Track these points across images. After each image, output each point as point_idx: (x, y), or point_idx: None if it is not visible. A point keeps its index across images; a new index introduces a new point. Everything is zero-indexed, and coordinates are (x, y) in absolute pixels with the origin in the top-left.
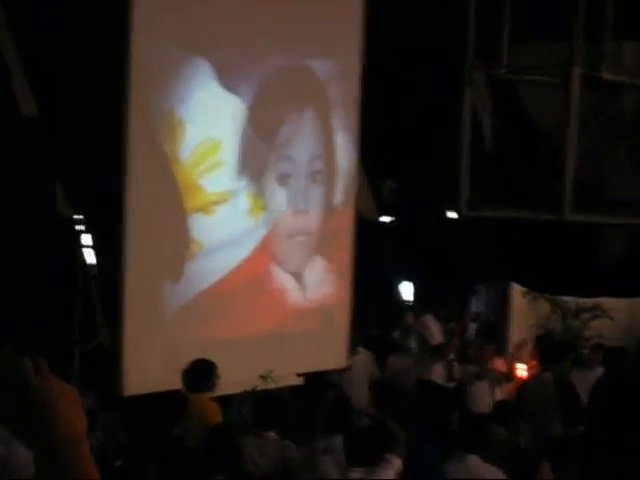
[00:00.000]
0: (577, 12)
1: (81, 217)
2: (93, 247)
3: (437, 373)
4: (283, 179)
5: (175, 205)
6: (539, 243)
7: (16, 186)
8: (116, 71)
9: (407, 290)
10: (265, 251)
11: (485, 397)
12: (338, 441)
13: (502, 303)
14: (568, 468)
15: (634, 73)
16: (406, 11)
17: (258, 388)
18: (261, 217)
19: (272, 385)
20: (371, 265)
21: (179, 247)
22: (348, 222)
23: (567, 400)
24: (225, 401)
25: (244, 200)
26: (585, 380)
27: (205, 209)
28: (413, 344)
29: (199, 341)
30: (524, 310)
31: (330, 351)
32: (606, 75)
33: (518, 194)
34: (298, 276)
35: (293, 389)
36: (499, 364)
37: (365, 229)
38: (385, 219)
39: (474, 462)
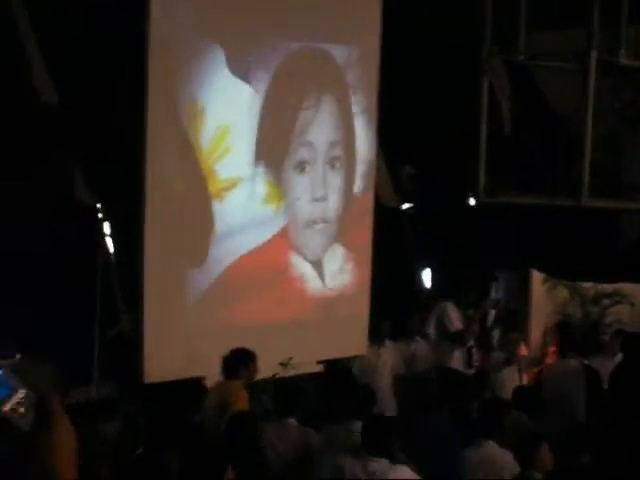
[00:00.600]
0: None
1: (101, 205)
2: (113, 234)
3: (456, 360)
4: (301, 166)
5: (195, 192)
6: (557, 229)
7: (36, 174)
8: (136, 58)
9: (427, 277)
10: (284, 239)
11: (514, 384)
12: (357, 428)
13: (522, 290)
14: (586, 454)
15: None
16: None
17: (278, 375)
18: (280, 205)
19: (292, 372)
20: (392, 252)
21: (198, 234)
22: (368, 209)
23: (590, 387)
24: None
25: (260, 187)
26: (605, 367)
27: (218, 195)
28: (432, 331)
29: (219, 329)
30: (543, 297)
31: (350, 338)
32: (623, 60)
33: (535, 180)
34: (317, 264)
35: (313, 376)
36: (523, 350)
37: (385, 216)
38: (405, 206)
39: (491, 448)
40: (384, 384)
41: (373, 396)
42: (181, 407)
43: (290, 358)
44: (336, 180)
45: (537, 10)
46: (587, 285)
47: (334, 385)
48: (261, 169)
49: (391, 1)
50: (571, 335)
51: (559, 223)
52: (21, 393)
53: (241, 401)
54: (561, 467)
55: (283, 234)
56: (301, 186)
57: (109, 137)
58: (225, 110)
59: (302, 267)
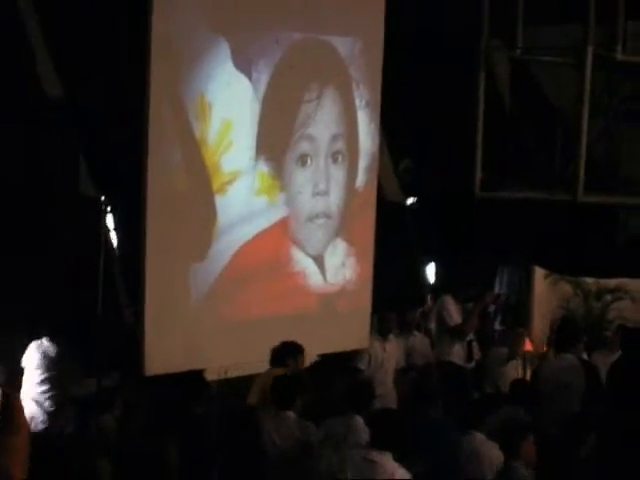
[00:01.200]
0: None
1: (104, 197)
2: (116, 227)
3: (456, 354)
4: (303, 159)
5: (198, 186)
6: (558, 223)
7: (39, 166)
8: (140, 51)
9: (430, 271)
10: (285, 234)
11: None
12: (357, 421)
13: (524, 284)
14: (583, 447)
15: None
16: None
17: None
18: (279, 197)
19: None
20: (395, 246)
21: (200, 229)
22: (370, 204)
23: (588, 382)
24: (246, 381)
25: (260, 180)
26: (608, 362)
27: (221, 189)
28: (432, 325)
29: (220, 322)
30: (546, 292)
31: (352, 333)
32: (620, 56)
33: (532, 175)
34: (319, 260)
35: (313, 369)
36: (527, 345)
37: (388, 210)
38: (409, 200)
39: (477, 439)
40: (389, 378)
41: (372, 389)
42: (181, 399)
43: None
44: (338, 174)
45: (534, 5)
46: (590, 280)
47: (333, 378)
48: (262, 162)
49: None
50: (570, 330)
51: (560, 217)
52: None
53: None
54: (557, 460)
55: (283, 227)
56: (302, 180)
57: (113, 130)
58: (229, 104)
59: (303, 262)
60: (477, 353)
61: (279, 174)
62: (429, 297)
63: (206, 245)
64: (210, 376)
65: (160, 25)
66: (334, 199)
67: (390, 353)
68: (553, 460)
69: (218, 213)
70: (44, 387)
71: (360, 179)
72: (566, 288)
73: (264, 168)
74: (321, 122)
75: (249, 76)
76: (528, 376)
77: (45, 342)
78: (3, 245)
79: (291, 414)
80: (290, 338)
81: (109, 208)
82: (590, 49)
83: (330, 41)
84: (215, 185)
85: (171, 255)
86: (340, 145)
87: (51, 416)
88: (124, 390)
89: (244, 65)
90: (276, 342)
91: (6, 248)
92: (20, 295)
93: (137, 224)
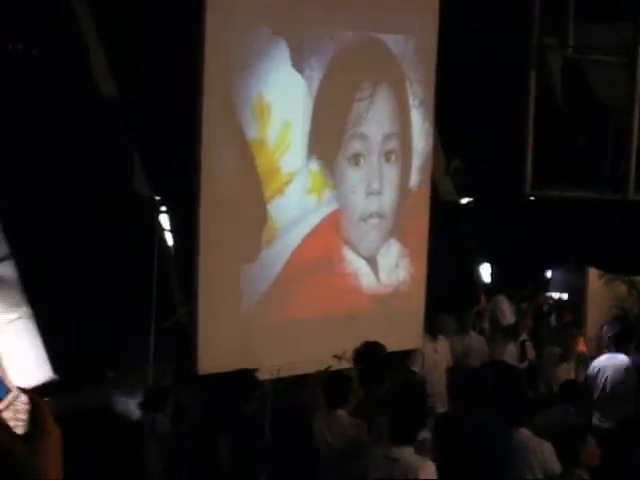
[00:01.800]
0: None
1: (159, 197)
2: (171, 226)
3: (509, 353)
4: (355, 159)
5: (253, 187)
6: (608, 223)
7: (94, 165)
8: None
9: (485, 271)
10: (337, 234)
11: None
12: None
13: (579, 284)
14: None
15: None
16: None
17: (332, 368)
18: (327, 195)
19: (346, 365)
20: (449, 246)
21: (256, 230)
22: (424, 204)
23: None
24: (299, 380)
25: (312, 179)
26: None
27: (280, 190)
28: (486, 325)
29: (273, 322)
30: (600, 291)
31: (406, 333)
32: None
33: (583, 173)
34: (372, 261)
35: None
36: (581, 345)
37: (443, 210)
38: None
39: (525, 435)
40: (442, 379)
41: (424, 390)
42: (232, 398)
43: (344, 351)
44: (391, 173)
45: (586, 3)
46: None
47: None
48: (313, 161)
49: None
50: (624, 330)
51: (611, 216)
52: (15, 392)
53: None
54: (610, 463)
55: (334, 227)
56: (355, 179)
57: (167, 129)
58: (288, 104)
59: (356, 263)
60: (530, 353)
61: (330, 173)
62: (483, 297)
63: (259, 246)
64: (263, 375)
65: (214, 25)
66: (387, 199)
67: (442, 353)
68: (607, 461)
69: (277, 214)
70: None
71: (414, 179)
72: (621, 288)
73: (315, 167)
74: (374, 121)
75: (303, 74)
76: (581, 377)
77: None
78: (58, 245)
79: (343, 413)
80: (343, 338)
81: (163, 208)
82: None
83: (383, 39)
84: (275, 186)
85: (224, 255)
86: (393, 144)
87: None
88: (177, 389)
89: (299, 64)
90: (329, 342)
91: (61, 248)
92: (75, 295)
93: (191, 224)
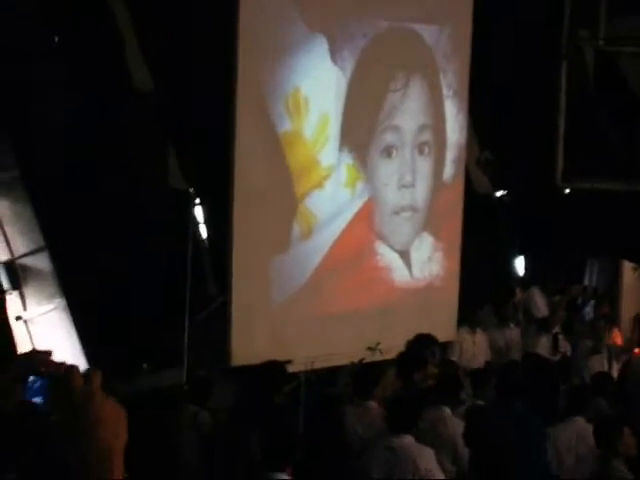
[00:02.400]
0: None
1: (193, 190)
2: (205, 219)
3: (542, 346)
4: (388, 151)
5: (288, 180)
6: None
7: (129, 158)
8: (228, 44)
9: (520, 264)
10: (369, 227)
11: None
12: (446, 412)
13: (614, 277)
14: None
15: None
16: None
17: (365, 360)
18: (360, 188)
19: (379, 357)
20: (484, 239)
21: (289, 222)
22: (458, 197)
23: None
24: (333, 372)
25: (347, 173)
26: None
27: (320, 184)
28: (520, 317)
29: (306, 314)
30: (635, 284)
31: (439, 325)
32: None
33: (614, 166)
34: (405, 255)
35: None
36: (616, 338)
37: (477, 203)
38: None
39: (581, 423)
40: None
41: (460, 381)
42: (264, 389)
43: (378, 343)
44: (425, 166)
45: None
46: None
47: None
48: (346, 153)
49: None
50: None
51: None
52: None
53: None
54: None
55: (367, 220)
56: (388, 171)
57: (201, 123)
58: (325, 97)
59: (388, 256)
60: (563, 345)
61: (363, 165)
62: (518, 290)
63: (293, 238)
64: (297, 367)
65: (247, 19)
66: (420, 192)
67: (480, 346)
68: None
69: (315, 208)
70: None
71: (447, 171)
72: None
73: (349, 160)
74: (407, 112)
75: (338, 66)
76: (614, 369)
77: None
78: (93, 237)
79: (374, 404)
80: (376, 331)
81: (198, 200)
82: None
83: (416, 29)
84: (314, 180)
85: (258, 248)
86: (427, 136)
87: None
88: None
89: (334, 56)
90: (362, 334)
91: (96, 240)
92: (109, 287)
93: (225, 216)
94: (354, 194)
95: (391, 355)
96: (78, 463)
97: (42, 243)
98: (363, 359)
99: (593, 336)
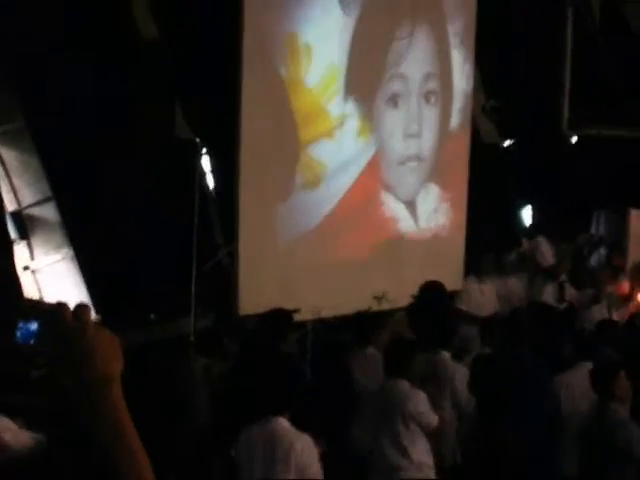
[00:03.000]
0: None
1: (199, 140)
2: (212, 169)
3: (548, 294)
4: (394, 99)
5: (293, 128)
6: None
7: (136, 109)
8: None
9: (527, 214)
10: (376, 177)
11: None
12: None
13: (620, 226)
14: None
15: None
16: None
17: (372, 309)
18: (368, 139)
19: (386, 306)
20: (490, 188)
21: (296, 171)
22: (464, 147)
23: None
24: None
25: (354, 122)
26: None
27: (329, 134)
28: (526, 266)
29: (313, 264)
30: None
31: (445, 276)
32: None
33: (621, 112)
34: (411, 205)
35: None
36: (620, 287)
37: (484, 152)
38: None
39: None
40: None
41: (454, 326)
42: (269, 337)
43: (385, 292)
44: (431, 115)
45: None
46: None
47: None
48: (351, 103)
49: None
50: None
51: None
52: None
53: None
54: None
55: (374, 171)
56: (394, 121)
57: (207, 72)
58: (330, 46)
59: (394, 207)
60: (569, 294)
61: (369, 115)
62: (525, 239)
63: (296, 186)
64: (304, 315)
65: None
66: (426, 141)
67: (488, 296)
68: None
69: (324, 157)
70: None
71: (454, 121)
72: None
73: (356, 110)
74: (413, 60)
75: (343, 12)
76: (613, 317)
77: None
78: (100, 188)
79: (372, 350)
80: (383, 281)
81: (204, 150)
82: None
83: None
84: (321, 129)
85: (264, 197)
86: (433, 85)
87: None
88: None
89: (340, 2)
90: (369, 284)
91: (103, 191)
92: (117, 237)
93: (232, 166)
94: (366, 144)
95: (400, 304)
96: (76, 391)
97: (49, 193)
98: (370, 308)
99: (595, 285)
